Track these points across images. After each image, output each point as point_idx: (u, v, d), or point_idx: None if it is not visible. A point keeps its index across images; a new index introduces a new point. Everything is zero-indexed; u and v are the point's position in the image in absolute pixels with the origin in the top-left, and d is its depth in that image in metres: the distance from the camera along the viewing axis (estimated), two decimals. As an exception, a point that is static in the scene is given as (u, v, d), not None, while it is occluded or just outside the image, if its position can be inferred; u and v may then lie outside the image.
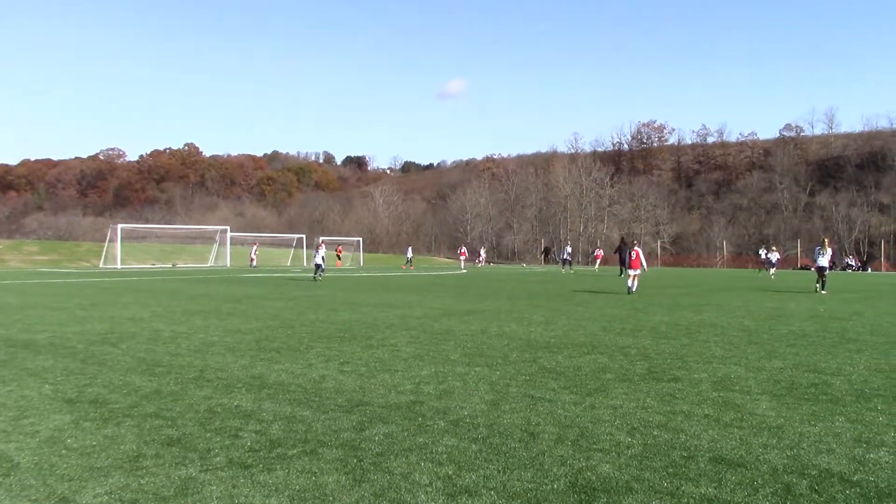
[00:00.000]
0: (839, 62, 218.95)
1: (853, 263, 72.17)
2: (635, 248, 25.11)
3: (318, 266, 33.34)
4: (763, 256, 51.45)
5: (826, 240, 28.43)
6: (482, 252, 79.48)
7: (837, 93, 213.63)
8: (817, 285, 26.69)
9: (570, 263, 54.21)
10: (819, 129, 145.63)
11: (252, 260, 58.99)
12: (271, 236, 78.95)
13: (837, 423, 6.14)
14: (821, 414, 6.49)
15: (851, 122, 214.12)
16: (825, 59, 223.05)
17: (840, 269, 66.48)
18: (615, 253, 47.31)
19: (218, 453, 5.27)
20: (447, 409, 6.61)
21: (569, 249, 56.01)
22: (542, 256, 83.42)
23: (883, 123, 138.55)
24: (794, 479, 4.70)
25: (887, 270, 70.70)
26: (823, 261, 26.87)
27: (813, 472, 4.84)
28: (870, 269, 70.40)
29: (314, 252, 34.41)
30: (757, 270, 49.57)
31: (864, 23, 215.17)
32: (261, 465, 4.98)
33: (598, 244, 77.95)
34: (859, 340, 11.79)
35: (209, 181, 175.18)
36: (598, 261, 57.83)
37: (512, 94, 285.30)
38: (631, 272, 24.66)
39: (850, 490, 4.51)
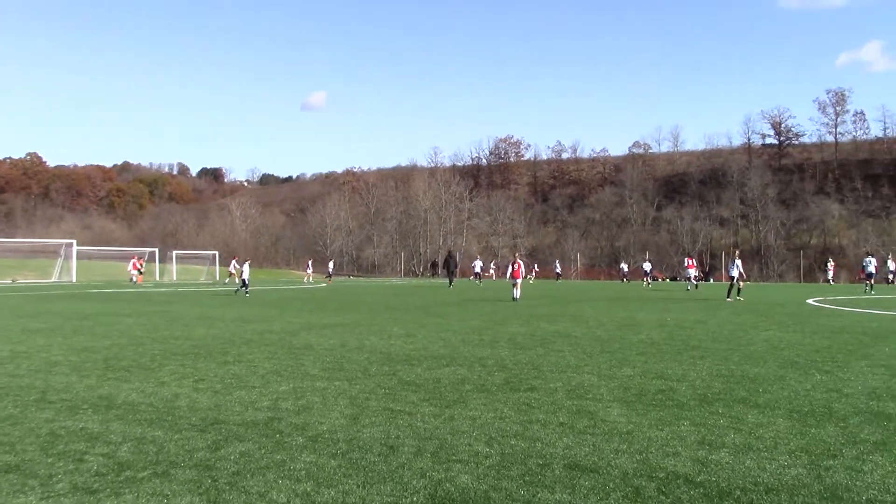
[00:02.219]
0: (683, 83, 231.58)
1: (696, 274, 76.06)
2: (518, 260, 29.51)
3: (243, 282, 34.04)
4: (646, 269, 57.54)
5: (736, 251, 32.61)
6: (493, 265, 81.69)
7: (681, 112, 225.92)
8: (733, 294, 29.22)
9: (480, 277, 54.90)
10: (665, 147, 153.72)
11: (138, 274, 55.86)
12: (121, 250, 75.49)
13: (682, 427, 6.42)
14: (667, 419, 6.77)
15: (695, 140, 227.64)
16: (670, 79, 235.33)
17: (683, 280, 70.09)
18: (443, 266, 49.19)
19: (61, 479, 4.97)
20: (306, 425, 6.51)
21: (480, 263, 56.62)
22: (430, 269, 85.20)
23: (723, 142, 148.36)
24: (643, 483, 4.88)
25: (727, 280, 74.78)
26: (734, 271, 29.50)
27: (660, 475, 5.04)
28: (711, 280, 74.29)
29: (241, 268, 35.18)
30: (644, 282, 54.00)
31: (706, 46, 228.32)
32: (108, 490, 4.74)
33: (515, 257, 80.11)
34: (702, 347, 12.41)
35: (54, 192, 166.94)
36: (533, 274, 64.64)
37: (373, 108, 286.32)
38: (516, 281, 28.48)
39: (694, 491, 4.71)
